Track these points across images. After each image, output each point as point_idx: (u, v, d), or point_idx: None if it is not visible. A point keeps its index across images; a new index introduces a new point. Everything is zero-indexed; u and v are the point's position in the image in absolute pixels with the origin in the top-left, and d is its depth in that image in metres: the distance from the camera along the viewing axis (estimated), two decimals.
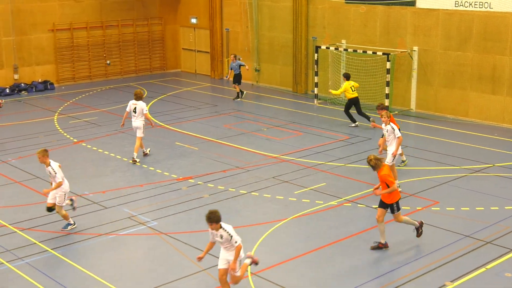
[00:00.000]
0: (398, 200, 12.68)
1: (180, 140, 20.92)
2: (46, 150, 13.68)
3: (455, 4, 22.88)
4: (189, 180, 17.05)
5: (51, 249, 13.05)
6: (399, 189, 15.74)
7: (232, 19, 30.97)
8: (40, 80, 29.75)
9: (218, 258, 10.65)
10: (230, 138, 21.07)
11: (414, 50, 24.11)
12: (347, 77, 22.19)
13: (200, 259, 10.50)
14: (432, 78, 23.91)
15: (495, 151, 19.41)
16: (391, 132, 15.74)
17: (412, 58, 24.15)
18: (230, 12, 30.95)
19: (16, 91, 28.80)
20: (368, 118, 21.85)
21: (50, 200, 13.82)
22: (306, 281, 11.67)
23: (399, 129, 16.01)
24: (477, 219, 14.28)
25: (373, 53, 24.33)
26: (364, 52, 24.65)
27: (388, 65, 23.50)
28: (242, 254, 10.41)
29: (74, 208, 14.29)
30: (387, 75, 23.56)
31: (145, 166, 18.30)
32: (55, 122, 23.52)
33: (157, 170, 17.90)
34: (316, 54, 25.94)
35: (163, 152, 19.59)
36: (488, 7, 22.06)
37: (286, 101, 26.76)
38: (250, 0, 29.53)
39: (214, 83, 31.00)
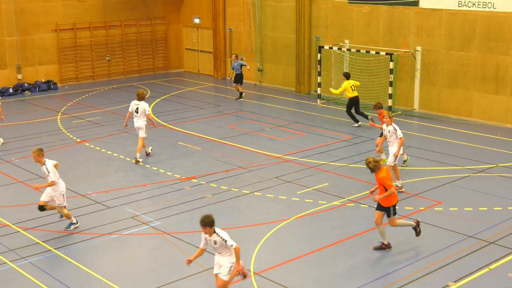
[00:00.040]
0: (395, 204, 12.57)
1: (183, 140, 20.92)
2: (41, 150, 13.71)
3: (459, 4, 22.83)
4: (192, 180, 17.05)
5: (54, 249, 13.07)
6: (403, 189, 15.81)
7: (235, 19, 30.96)
8: (43, 80, 29.78)
9: None
10: (233, 138, 21.07)
11: (417, 50, 24.07)
12: (347, 76, 22.19)
13: (189, 261, 10.41)
14: (435, 78, 23.87)
15: (499, 151, 19.37)
16: (393, 133, 15.66)
17: (415, 58, 24.12)
18: (233, 12, 30.94)
19: (19, 91, 28.84)
20: (366, 116, 21.80)
21: (43, 199, 13.81)
22: (309, 281, 11.66)
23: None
24: (480, 220, 14.25)
25: (376, 53, 24.31)
26: (367, 52, 24.63)
27: (391, 65, 23.47)
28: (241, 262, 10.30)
29: (62, 217, 14.13)
30: (390, 75, 23.55)
31: (148, 166, 18.31)
32: (58, 122, 23.54)
33: (160, 170, 17.91)
34: (319, 54, 25.92)
35: (166, 152, 19.59)
36: (492, 7, 22.01)
37: (289, 101, 26.74)
38: (253, 0, 29.52)
39: (217, 83, 31.00)
